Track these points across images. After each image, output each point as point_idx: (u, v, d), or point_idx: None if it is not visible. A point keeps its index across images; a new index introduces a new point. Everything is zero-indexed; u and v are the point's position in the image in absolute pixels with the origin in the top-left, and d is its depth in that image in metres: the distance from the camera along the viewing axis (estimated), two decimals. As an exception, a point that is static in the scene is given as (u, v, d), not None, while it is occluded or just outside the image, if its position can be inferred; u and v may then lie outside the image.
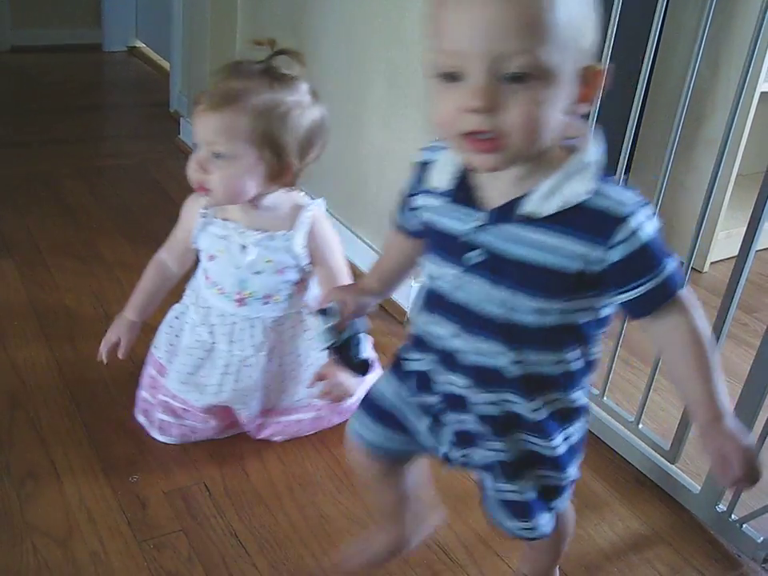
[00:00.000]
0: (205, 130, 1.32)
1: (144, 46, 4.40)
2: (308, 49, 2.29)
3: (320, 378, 1.40)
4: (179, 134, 3.13)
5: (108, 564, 1.31)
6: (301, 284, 1.48)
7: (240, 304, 1.47)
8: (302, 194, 1.47)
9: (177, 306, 1.58)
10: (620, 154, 1.55)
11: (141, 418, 1.59)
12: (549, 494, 1.05)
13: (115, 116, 3.59)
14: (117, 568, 1.30)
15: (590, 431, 1.68)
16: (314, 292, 1.52)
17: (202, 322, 1.50)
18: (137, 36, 4.43)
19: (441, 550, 1.39)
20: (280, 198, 1.43)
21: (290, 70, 1.35)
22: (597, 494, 1.56)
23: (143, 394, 1.59)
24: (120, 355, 1.56)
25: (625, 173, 1.60)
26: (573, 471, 1.05)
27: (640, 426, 1.64)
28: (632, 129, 1.53)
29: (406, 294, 2.05)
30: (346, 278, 1.46)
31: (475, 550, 1.40)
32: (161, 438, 1.56)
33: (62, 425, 1.59)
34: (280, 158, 1.33)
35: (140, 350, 1.80)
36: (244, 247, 1.43)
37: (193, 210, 1.48)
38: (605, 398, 1.70)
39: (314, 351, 1.51)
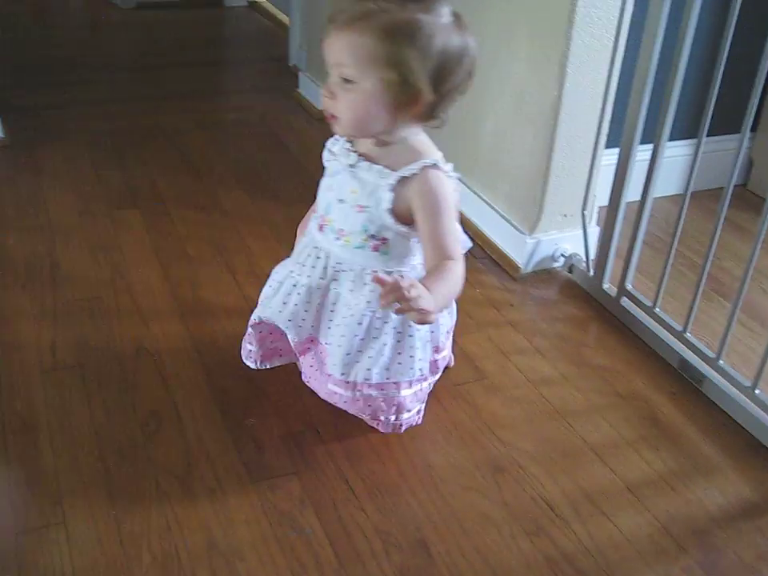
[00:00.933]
0: (332, 51, 1.23)
1: (264, 0, 4.45)
2: None
3: (378, 280, 1.15)
4: (298, 87, 3.17)
5: (224, 501, 1.36)
6: (379, 242, 1.33)
7: (320, 230, 1.39)
8: (433, 148, 1.33)
9: None
10: (746, 111, 1.51)
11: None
12: None
13: (235, 70, 3.66)
14: (232, 506, 1.36)
15: (704, 394, 1.67)
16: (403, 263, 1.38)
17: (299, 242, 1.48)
18: (257, -9, 4.49)
19: (546, 505, 1.40)
20: (408, 140, 1.31)
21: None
22: (708, 458, 1.53)
23: None
24: None
25: (752, 130, 1.55)
26: None
27: (757, 391, 1.60)
28: (759, 86, 1.48)
29: (519, 248, 2.04)
30: (452, 243, 1.27)
31: (581, 507, 1.40)
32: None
33: (184, 368, 1.66)
34: (407, 84, 1.20)
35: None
36: (342, 168, 1.35)
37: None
38: (720, 361, 1.66)
39: (355, 319, 1.37)
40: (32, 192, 2.32)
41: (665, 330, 1.80)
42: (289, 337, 1.43)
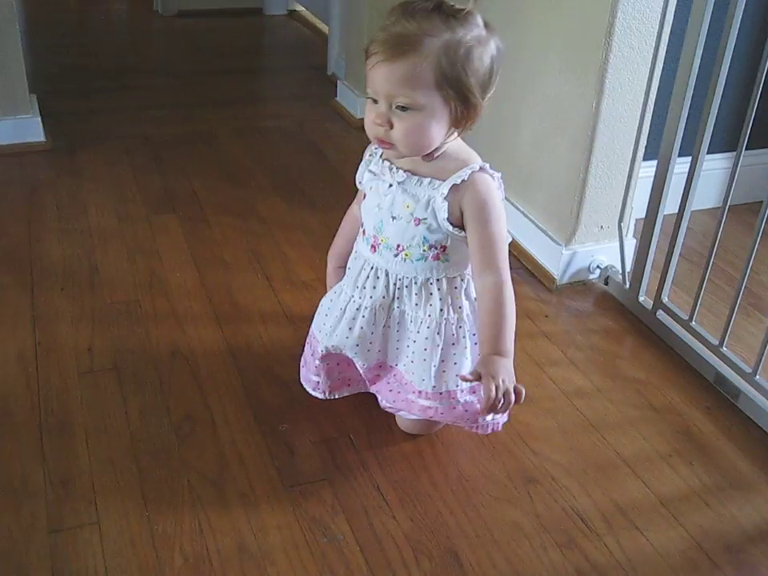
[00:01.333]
0: (384, 81, 1.21)
1: (303, 9, 4.48)
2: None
3: (476, 377, 1.27)
4: (336, 96, 3.19)
5: (256, 505, 1.37)
6: (439, 250, 1.34)
7: (374, 250, 1.39)
8: (476, 155, 1.34)
9: None
10: None
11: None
12: None
13: (274, 78, 3.68)
14: (264, 510, 1.36)
15: (739, 409, 1.65)
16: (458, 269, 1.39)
17: (348, 265, 1.48)
18: (297, 0, 4.52)
19: (578, 518, 1.39)
20: (451, 150, 1.32)
21: (463, 4, 1.23)
22: (743, 474, 1.52)
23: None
24: None
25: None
26: None
27: (794, 406, 1.58)
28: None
29: (555, 259, 2.04)
30: (499, 252, 1.31)
31: (614, 520, 1.39)
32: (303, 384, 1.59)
33: (218, 372, 1.67)
34: (467, 102, 1.23)
35: (296, 306, 1.88)
36: (390, 186, 1.35)
37: (367, 151, 1.43)
38: (757, 377, 1.64)
39: (432, 330, 1.39)
40: (72, 196, 2.35)
41: (701, 344, 1.78)
42: (357, 364, 1.46)
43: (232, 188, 2.46)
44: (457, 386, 1.40)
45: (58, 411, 1.55)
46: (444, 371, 1.40)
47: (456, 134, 1.30)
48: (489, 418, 1.45)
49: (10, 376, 1.63)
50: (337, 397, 1.56)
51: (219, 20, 4.35)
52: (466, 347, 1.40)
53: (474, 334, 1.40)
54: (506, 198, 2.17)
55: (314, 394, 1.56)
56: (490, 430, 1.49)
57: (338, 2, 3.30)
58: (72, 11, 4.53)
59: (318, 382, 1.54)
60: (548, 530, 1.37)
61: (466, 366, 1.40)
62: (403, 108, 1.22)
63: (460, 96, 1.22)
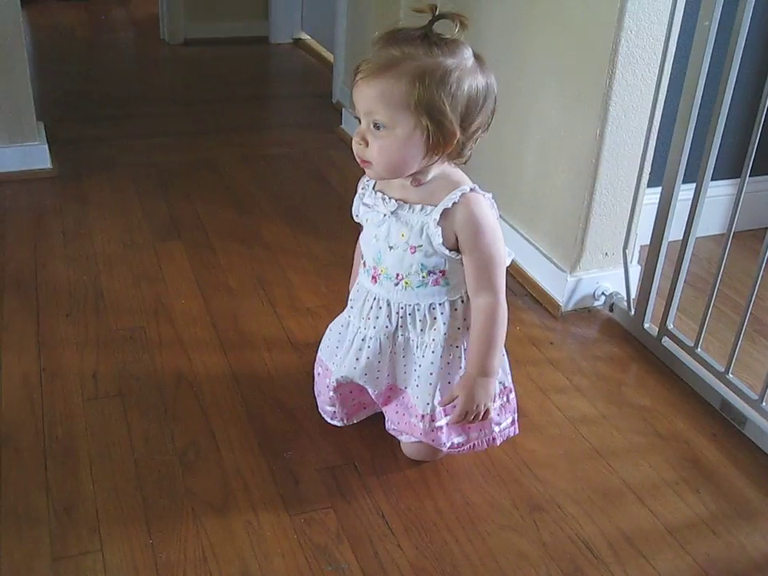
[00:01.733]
0: (363, 99, 1.25)
1: (309, 38, 4.52)
2: (469, 41, 2.30)
3: (452, 400, 1.38)
4: (341, 124, 3.21)
5: (261, 533, 1.36)
6: (438, 275, 1.35)
7: (374, 281, 1.41)
8: (466, 178, 1.35)
9: None
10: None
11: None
12: None
13: (280, 106, 3.71)
14: (269, 537, 1.36)
15: (746, 436, 1.65)
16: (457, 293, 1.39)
17: (350, 297, 1.50)
18: (302, 28, 4.55)
19: (585, 546, 1.38)
20: (441, 175, 1.33)
21: (452, 35, 1.24)
22: (750, 502, 1.51)
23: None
24: None
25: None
26: None
27: (801, 434, 1.58)
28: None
29: (560, 286, 2.03)
30: (494, 272, 1.33)
31: (620, 548, 1.39)
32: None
33: (223, 399, 1.67)
34: (441, 126, 1.23)
35: (300, 333, 1.88)
36: (384, 216, 1.36)
37: (360, 183, 1.45)
38: (763, 403, 1.64)
39: (437, 354, 1.40)
40: (78, 222, 2.36)
41: (707, 371, 1.78)
42: (369, 390, 1.48)
43: (237, 215, 2.47)
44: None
45: (62, 438, 1.54)
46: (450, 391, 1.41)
47: (440, 160, 1.30)
48: (482, 433, 1.47)
49: (15, 402, 1.63)
50: (355, 422, 1.58)
51: (225, 48, 4.38)
52: (461, 367, 1.42)
53: None
54: (510, 224, 2.19)
55: (332, 422, 1.58)
56: (486, 446, 1.50)
57: (343, 30, 3.33)
58: (79, 39, 4.57)
59: (335, 412, 1.55)
60: (554, 559, 1.36)
61: None
62: (377, 126, 1.24)
63: (434, 120, 1.22)
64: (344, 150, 3.01)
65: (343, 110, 3.20)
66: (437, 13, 1.23)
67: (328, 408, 1.56)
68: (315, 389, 1.60)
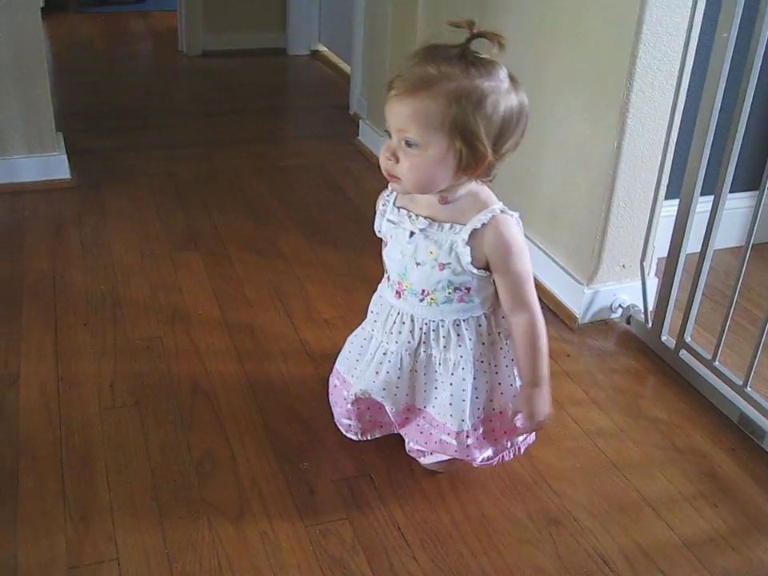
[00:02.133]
0: (396, 116, 1.23)
1: (326, 49, 4.54)
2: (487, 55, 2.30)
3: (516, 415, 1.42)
4: (358, 135, 3.22)
5: (276, 544, 1.36)
6: (464, 292, 1.36)
7: (398, 296, 1.41)
8: (494, 197, 1.35)
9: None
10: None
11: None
12: None
13: (297, 117, 3.72)
14: (284, 549, 1.36)
15: (764, 450, 1.63)
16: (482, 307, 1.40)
17: (370, 309, 1.50)
18: (319, 40, 4.57)
19: (601, 560, 1.38)
20: (470, 194, 1.32)
21: (489, 54, 1.24)
22: (769, 516, 1.50)
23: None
24: None
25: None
26: None
27: (820, 448, 1.56)
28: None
29: (577, 298, 2.03)
30: (527, 290, 1.35)
31: (637, 563, 1.38)
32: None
33: (239, 410, 1.67)
34: (473, 149, 1.22)
35: (317, 344, 1.88)
36: (412, 234, 1.35)
37: (380, 200, 1.44)
38: (783, 417, 1.63)
39: (467, 370, 1.40)
40: (96, 232, 2.38)
41: (725, 384, 1.77)
42: (386, 407, 1.47)
43: (254, 225, 2.48)
44: (493, 409, 1.45)
45: (79, 447, 1.55)
46: (478, 406, 1.42)
47: (468, 179, 1.30)
48: (508, 444, 1.47)
49: (33, 410, 1.64)
50: (369, 438, 1.57)
51: (243, 60, 4.41)
52: (487, 381, 1.42)
53: (496, 365, 1.43)
54: (527, 236, 2.18)
55: (347, 435, 1.57)
56: (513, 455, 1.51)
57: (360, 42, 3.34)
58: (98, 51, 4.60)
59: (350, 425, 1.55)
60: (570, 573, 1.35)
61: (510, 391, 1.44)
62: (409, 144, 1.23)
63: (467, 142, 1.22)
64: (361, 161, 3.02)
65: (360, 121, 3.21)
66: (475, 31, 1.23)
67: (344, 420, 1.56)
68: (330, 399, 1.60)
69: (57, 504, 1.42)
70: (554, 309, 2.10)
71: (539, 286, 2.14)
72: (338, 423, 1.59)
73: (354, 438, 1.57)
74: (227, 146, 3.16)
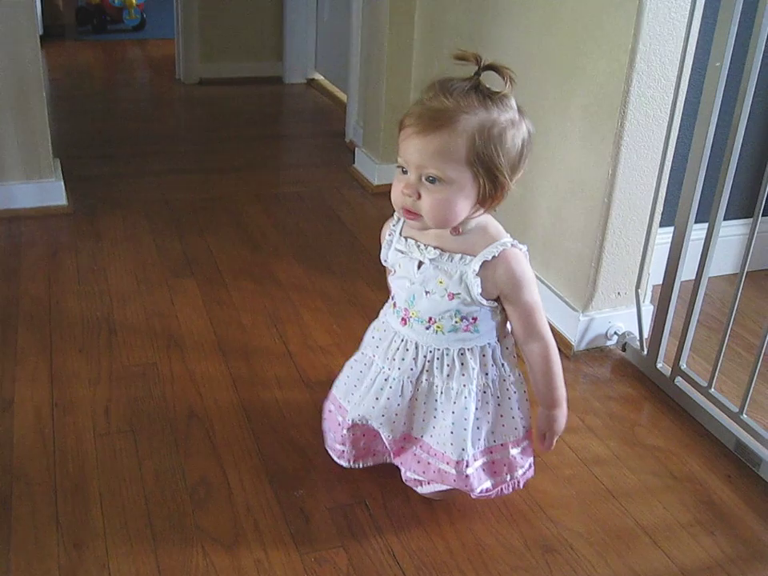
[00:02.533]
0: (418, 153, 1.23)
1: (322, 78, 4.57)
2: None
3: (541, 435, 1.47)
4: (354, 163, 3.23)
5: (271, 572, 1.35)
6: (470, 321, 1.37)
7: (404, 323, 1.41)
8: (503, 230, 1.37)
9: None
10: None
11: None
12: None
13: (293, 145, 3.74)
14: (279, 577, 1.35)
15: (761, 478, 1.63)
16: (490, 337, 1.41)
17: (371, 335, 1.50)
18: (315, 68, 4.61)
19: (599, 588, 1.37)
20: (479, 226, 1.34)
21: (502, 89, 1.25)
22: (767, 545, 1.49)
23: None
24: None
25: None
26: None
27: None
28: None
29: (572, 326, 2.03)
30: (539, 319, 1.38)
31: (635, 590, 1.37)
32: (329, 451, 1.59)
33: (234, 436, 1.67)
34: (494, 180, 1.25)
35: (312, 371, 1.88)
36: (421, 264, 1.36)
37: (386, 229, 1.45)
38: (779, 445, 1.63)
39: (470, 399, 1.39)
40: (92, 258, 2.38)
41: (720, 412, 1.76)
42: (383, 435, 1.45)
43: (250, 252, 2.49)
44: (495, 441, 1.43)
45: (73, 473, 1.54)
46: (479, 437, 1.41)
47: (481, 210, 1.32)
48: (507, 477, 1.46)
49: (27, 436, 1.63)
50: (361, 466, 1.56)
51: (240, 88, 4.43)
52: (489, 412, 1.41)
53: (499, 396, 1.42)
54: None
55: (338, 461, 1.56)
56: (511, 489, 1.49)
57: (357, 70, 3.37)
58: (96, 78, 4.63)
59: (344, 451, 1.54)
60: (567, 601, 1.34)
61: (512, 423, 1.43)
62: (432, 180, 1.24)
63: (489, 175, 1.24)
64: (357, 188, 3.03)
65: (356, 149, 3.22)
66: (483, 64, 1.25)
67: (338, 446, 1.55)
68: (324, 425, 1.59)
69: (50, 531, 1.41)
70: (549, 336, 2.10)
71: (535, 313, 2.15)
72: (329, 449, 1.58)
73: (346, 464, 1.55)
74: (224, 173, 3.17)
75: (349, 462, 1.55)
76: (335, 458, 1.56)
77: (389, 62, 2.90)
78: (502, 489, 1.47)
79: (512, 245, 1.33)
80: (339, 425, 1.51)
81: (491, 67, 1.25)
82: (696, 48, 1.77)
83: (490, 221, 1.36)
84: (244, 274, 2.34)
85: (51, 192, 2.67)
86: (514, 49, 2.19)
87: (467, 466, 1.41)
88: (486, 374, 1.40)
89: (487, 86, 1.25)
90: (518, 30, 2.17)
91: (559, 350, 2.02)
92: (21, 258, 2.37)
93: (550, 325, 2.09)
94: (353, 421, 1.46)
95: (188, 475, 1.56)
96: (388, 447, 1.48)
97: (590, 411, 1.83)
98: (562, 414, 1.44)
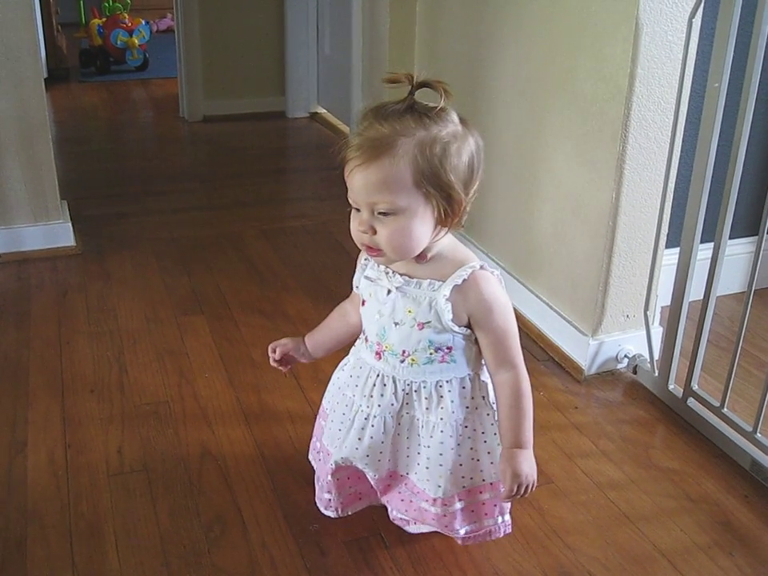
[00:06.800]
0: (363, 189, 1.20)
1: (325, 111, 4.60)
2: (483, 110, 2.34)
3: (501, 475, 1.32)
4: (358, 194, 3.23)
5: (289, 609, 1.35)
6: (445, 351, 1.31)
7: (378, 357, 1.35)
8: (471, 253, 1.32)
9: (346, 357, 1.49)
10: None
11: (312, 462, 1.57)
12: None
13: (298, 179, 3.76)
14: (297, 613, 1.34)
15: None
16: (467, 369, 1.35)
17: (349, 374, 1.43)
18: (318, 102, 4.64)
19: (619, 614, 1.36)
20: (447, 249, 1.29)
21: (436, 102, 1.19)
22: (787, 564, 1.48)
23: (313, 440, 1.56)
24: (271, 353, 1.57)
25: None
26: None
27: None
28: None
29: (582, 350, 2.03)
30: (511, 347, 1.30)
31: (655, 615, 1.36)
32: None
33: (248, 473, 1.67)
34: (449, 199, 1.19)
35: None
36: (389, 292, 1.30)
37: (362, 254, 1.37)
38: (794, 463, 1.62)
39: (446, 434, 1.34)
40: (101, 298, 2.39)
41: (734, 431, 1.76)
42: (368, 475, 1.41)
43: (258, 288, 2.49)
44: (483, 480, 1.37)
45: (87, 514, 1.54)
46: (462, 474, 1.36)
47: (444, 232, 1.27)
48: (499, 519, 1.41)
49: (41, 479, 1.63)
50: (350, 513, 1.51)
51: (243, 124, 4.46)
52: (473, 448, 1.36)
53: (484, 432, 1.36)
54: (530, 289, 2.20)
55: (326, 513, 1.51)
56: (502, 533, 1.43)
57: (358, 103, 3.39)
58: (101, 119, 4.67)
59: (330, 500, 1.49)
60: (587, 628, 1.33)
61: (487, 462, 1.37)
62: (385, 213, 1.19)
63: (441, 193, 1.19)
64: (362, 219, 3.04)
65: (361, 180, 3.23)
66: (416, 81, 1.20)
67: (325, 495, 1.49)
68: (315, 476, 1.54)
69: (66, 573, 1.41)
70: (559, 361, 2.10)
71: (544, 339, 2.15)
72: (317, 501, 1.53)
73: (333, 515, 1.50)
74: (229, 210, 3.19)
75: (336, 512, 1.50)
76: (323, 510, 1.51)
77: (390, 93, 2.91)
78: (491, 530, 1.42)
79: (481, 267, 1.28)
80: (326, 472, 1.45)
81: (425, 84, 1.20)
82: (694, 69, 1.78)
83: (458, 245, 1.32)
84: (253, 309, 2.35)
85: (59, 233, 2.69)
86: (513, 75, 2.21)
87: (445, 505, 1.36)
88: (467, 407, 1.34)
89: (423, 102, 1.20)
90: (517, 56, 2.19)
91: (570, 374, 2.04)
92: (31, 300, 2.38)
93: (561, 350, 2.10)
94: (336, 463, 1.41)
95: (202, 513, 1.55)
96: (374, 486, 1.43)
97: (603, 435, 1.82)
98: (530, 458, 1.30)
